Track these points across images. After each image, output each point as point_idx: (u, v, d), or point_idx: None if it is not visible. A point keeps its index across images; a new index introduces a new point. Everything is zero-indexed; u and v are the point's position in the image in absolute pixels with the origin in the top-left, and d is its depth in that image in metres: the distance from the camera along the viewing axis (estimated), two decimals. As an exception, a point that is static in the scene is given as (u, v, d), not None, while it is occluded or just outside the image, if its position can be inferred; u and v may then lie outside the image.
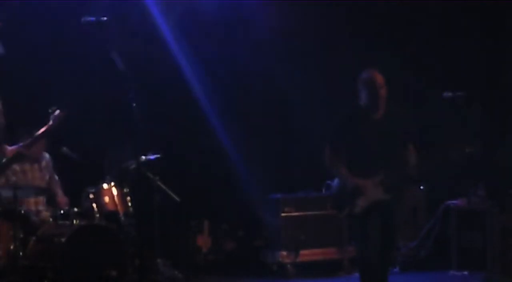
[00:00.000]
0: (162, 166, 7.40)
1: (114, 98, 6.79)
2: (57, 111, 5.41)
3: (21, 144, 5.57)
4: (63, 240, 6.36)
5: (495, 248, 7.70)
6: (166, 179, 7.51)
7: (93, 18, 5.05)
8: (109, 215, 7.10)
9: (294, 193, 8.66)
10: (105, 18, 5.05)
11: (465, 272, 7.88)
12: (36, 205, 6.94)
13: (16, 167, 6.94)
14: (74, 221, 6.68)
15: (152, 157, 7.31)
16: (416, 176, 5.94)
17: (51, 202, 7.16)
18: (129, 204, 7.27)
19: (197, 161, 8.95)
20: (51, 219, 6.73)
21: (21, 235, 6.39)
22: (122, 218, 7.14)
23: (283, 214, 8.36)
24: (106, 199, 7.16)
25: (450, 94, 6.54)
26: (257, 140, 9.41)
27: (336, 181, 5.95)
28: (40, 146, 6.93)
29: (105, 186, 7.20)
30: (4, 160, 5.20)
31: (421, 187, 8.65)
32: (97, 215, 7.00)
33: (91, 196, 7.11)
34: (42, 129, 5.61)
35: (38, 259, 6.39)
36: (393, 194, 5.73)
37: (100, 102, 8.23)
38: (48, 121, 5.70)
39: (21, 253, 6.34)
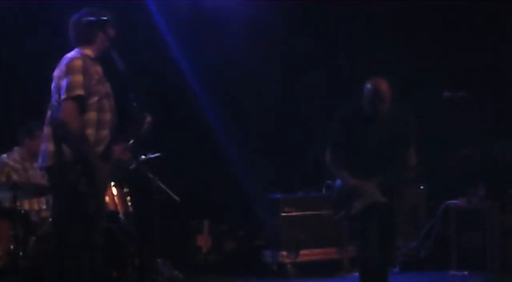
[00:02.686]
0: (162, 165, 7.39)
1: (114, 98, 6.77)
2: (149, 118, 5.26)
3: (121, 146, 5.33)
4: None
5: (495, 248, 7.70)
6: (166, 179, 7.51)
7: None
8: (109, 215, 7.09)
9: (294, 193, 8.66)
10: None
11: (465, 272, 7.88)
12: (38, 204, 6.93)
13: (16, 164, 6.94)
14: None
15: (152, 157, 7.30)
16: (415, 178, 5.92)
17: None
18: (129, 204, 7.26)
19: (197, 161, 8.95)
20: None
21: (21, 235, 6.38)
22: (122, 218, 7.13)
23: (283, 214, 8.36)
24: (106, 199, 7.15)
25: (450, 94, 6.53)
26: (257, 140, 9.42)
27: (337, 182, 5.94)
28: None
29: (105, 185, 7.19)
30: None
31: (421, 187, 8.65)
32: (97, 215, 7.00)
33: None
34: (138, 136, 5.19)
35: (38, 259, 6.38)
36: (391, 196, 5.72)
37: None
38: (140, 126, 5.37)
39: (21, 253, 6.33)
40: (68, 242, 4.74)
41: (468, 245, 7.98)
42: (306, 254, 8.32)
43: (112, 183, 7.22)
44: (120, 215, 7.15)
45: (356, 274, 5.96)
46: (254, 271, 8.46)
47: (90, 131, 4.77)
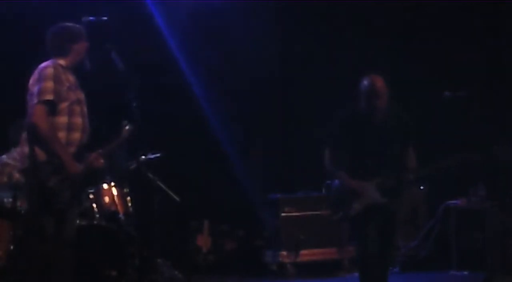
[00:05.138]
0: (162, 166, 7.39)
1: (114, 98, 6.78)
2: (128, 126, 5.46)
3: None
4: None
5: (495, 248, 7.70)
6: (166, 179, 7.50)
7: (93, 18, 5.06)
8: (109, 215, 7.09)
9: (294, 193, 8.66)
10: (105, 18, 5.06)
11: (465, 272, 7.89)
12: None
13: (17, 163, 6.93)
14: (74, 221, 6.67)
15: (152, 157, 7.30)
16: (414, 179, 5.92)
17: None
18: (129, 204, 7.26)
19: (197, 161, 8.94)
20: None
21: (21, 235, 6.37)
22: (122, 218, 7.13)
23: (283, 214, 8.36)
24: (106, 199, 7.15)
25: (450, 94, 6.53)
26: (257, 140, 9.42)
27: (335, 182, 5.94)
28: None
29: (105, 186, 7.19)
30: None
31: (421, 187, 8.65)
32: (97, 215, 7.00)
33: (91, 196, 7.10)
34: (116, 143, 5.46)
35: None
36: (390, 197, 5.72)
37: (100, 102, 8.22)
38: (120, 134, 5.45)
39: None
40: (40, 236, 5.01)
41: (468, 245, 7.98)
42: (306, 254, 8.32)
43: (112, 183, 7.23)
44: (120, 215, 7.14)
45: (356, 274, 5.96)
46: (254, 271, 8.46)
47: (61, 134, 5.10)
